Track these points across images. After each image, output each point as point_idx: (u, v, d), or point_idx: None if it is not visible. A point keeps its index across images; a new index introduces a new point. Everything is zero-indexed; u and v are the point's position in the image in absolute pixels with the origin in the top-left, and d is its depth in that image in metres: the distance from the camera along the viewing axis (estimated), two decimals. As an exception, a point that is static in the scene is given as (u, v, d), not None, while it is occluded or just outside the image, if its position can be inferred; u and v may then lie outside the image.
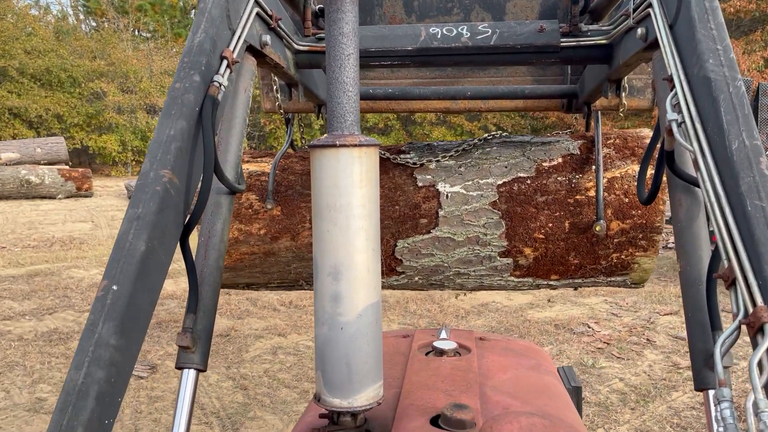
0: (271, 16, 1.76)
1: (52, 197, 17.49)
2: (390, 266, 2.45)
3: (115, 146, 25.09)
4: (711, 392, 1.18)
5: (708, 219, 1.16)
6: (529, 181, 2.36)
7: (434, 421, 1.44)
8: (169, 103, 1.30)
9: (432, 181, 2.39)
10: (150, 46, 30.03)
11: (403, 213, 2.39)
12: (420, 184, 2.39)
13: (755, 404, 0.87)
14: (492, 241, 2.36)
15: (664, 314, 6.92)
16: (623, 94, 2.22)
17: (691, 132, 1.22)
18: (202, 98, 1.34)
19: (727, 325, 1.03)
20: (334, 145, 1.28)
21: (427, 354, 1.93)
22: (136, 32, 31.96)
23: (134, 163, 25.81)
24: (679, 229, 1.36)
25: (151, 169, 1.21)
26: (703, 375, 1.20)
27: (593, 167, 2.34)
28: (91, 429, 0.94)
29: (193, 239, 1.35)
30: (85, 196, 18.07)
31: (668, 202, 1.53)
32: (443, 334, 2.05)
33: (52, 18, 30.96)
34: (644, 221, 2.30)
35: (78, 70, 25.57)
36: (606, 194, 2.30)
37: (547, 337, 6.21)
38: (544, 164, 2.38)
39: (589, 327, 6.51)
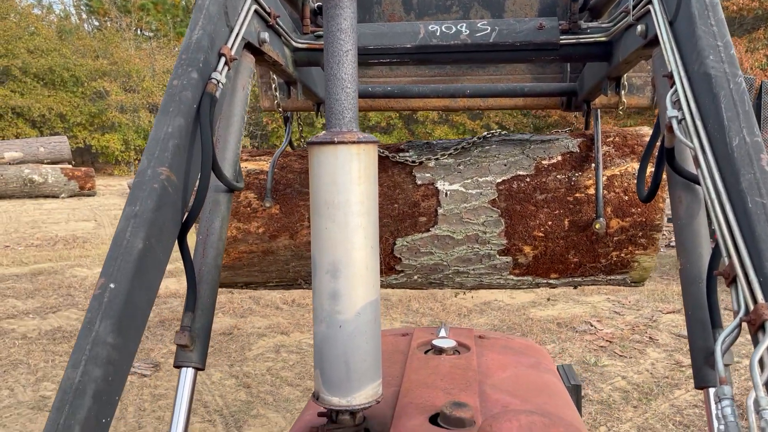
0: (269, 14, 1.75)
1: (55, 196, 17.53)
2: (389, 265, 2.45)
3: (118, 145, 25.12)
4: (711, 390, 1.17)
5: (708, 216, 1.15)
6: (528, 179, 2.35)
7: (433, 420, 1.43)
8: (166, 101, 1.29)
9: (431, 179, 2.38)
10: (152, 45, 30.07)
11: (402, 211, 2.38)
12: (419, 183, 2.39)
13: (756, 402, 0.87)
14: (491, 240, 2.36)
15: (667, 312, 6.91)
16: (623, 92, 2.22)
17: (692, 129, 1.21)
18: (200, 96, 1.33)
19: (728, 322, 1.03)
20: (332, 142, 1.27)
21: (426, 352, 1.92)
22: (139, 31, 31.99)
23: (137, 162, 25.80)
24: (679, 227, 1.35)
25: (149, 166, 1.20)
26: (703, 373, 1.20)
27: (593, 165, 2.33)
28: (89, 428, 0.93)
29: (192, 238, 1.34)
30: (88, 195, 18.11)
31: (668, 200, 1.52)
32: (442, 333, 2.05)
33: (55, 17, 31.00)
34: (644, 219, 2.29)
35: (81, 69, 25.61)
36: (606, 192, 2.30)
37: (550, 335, 6.21)
38: (543, 162, 2.37)
39: (592, 325, 6.51)
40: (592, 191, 2.31)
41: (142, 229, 1.12)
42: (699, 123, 1.20)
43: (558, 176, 2.35)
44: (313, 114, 2.75)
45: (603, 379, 5.13)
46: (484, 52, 2.02)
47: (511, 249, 2.37)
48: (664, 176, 1.46)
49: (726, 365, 0.98)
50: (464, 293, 7.43)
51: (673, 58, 1.33)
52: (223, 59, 1.43)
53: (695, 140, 1.19)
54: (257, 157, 2.59)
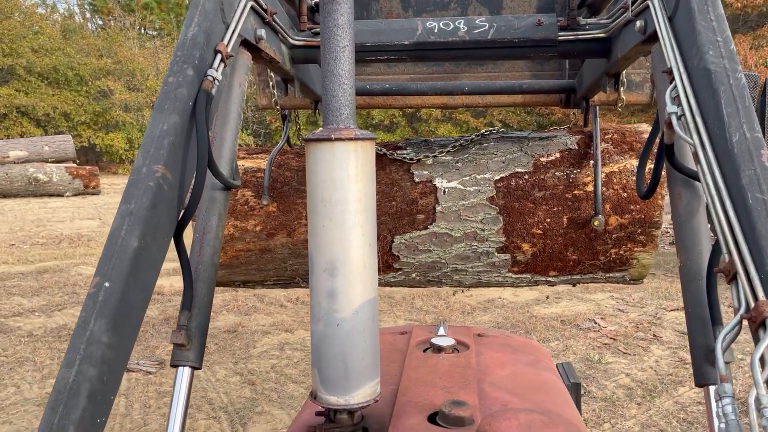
0: (265, 10, 1.74)
1: (60, 195, 17.58)
2: (387, 263, 2.44)
3: (122, 144, 25.17)
4: (712, 388, 1.16)
5: (708, 213, 1.14)
6: (526, 177, 2.34)
7: (432, 418, 1.42)
8: (162, 98, 1.28)
9: (429, 176, 2.37)
10: (156, 44, 30.10)
11: (400, 209, 2.37)
12: (417, 180, 2.37)
13: (757, 400, 0.86)
14: (490, 237, 2.35)
15: (671, 310, 6.91)
16: (622, 89, 2.21)
17: (691, 125, 1.20)
18: (195, 92, 1.32)
19: (728, 320, 1.02)
20: (329, 139, 1.26)
21: (425, 351, 1.91)
22: (143, 30, 32.05)
23: (141, 160, 25.83)
24: (678, 224, 1.34)
25: (144, 164, 1.19)
26: (703, 370, 1.19)
27: (591, 162, 2.32)
28: (83, 428, 0.92)
29: (188, 236, 1.33)
30: (93, 194, 18.16)
31: (668, 197, 1.52)
32: (441, 331, 2.04)
33: (59, 16, 31.07)
34: (643, 216, 2.28)
35: (85, 68, 25.67)
36: (604, 189, 2.29)
37: (554, 332, 6.21)
38: (541, 159, 2.36)
39: (596, 323, 6.50)
40: (590, 188, 2.30)
41: (137, 228, 1.11)
42: (699, 119, 1.19)
43: (556, 173, 2.34)
44: (317, 113, 2.76)
45: (607, 377, 5.13)
46: (482, 49, 2.01)
47: (510, 246, 2.36)
48: (664, 173, 1.45)
49: (726, 363, 0.98)
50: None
51: (672, 53, 1.32)
52: (219, 56, 1.41)
53: (695, 136, 1.18)
54: (254, 155, 2.58)
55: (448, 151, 2.41)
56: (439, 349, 1.89)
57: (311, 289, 1.32)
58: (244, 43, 1.65)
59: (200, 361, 1.33)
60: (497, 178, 2.35)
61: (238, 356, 5.72)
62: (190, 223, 1.33)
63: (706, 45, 1.23)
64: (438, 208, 2.35)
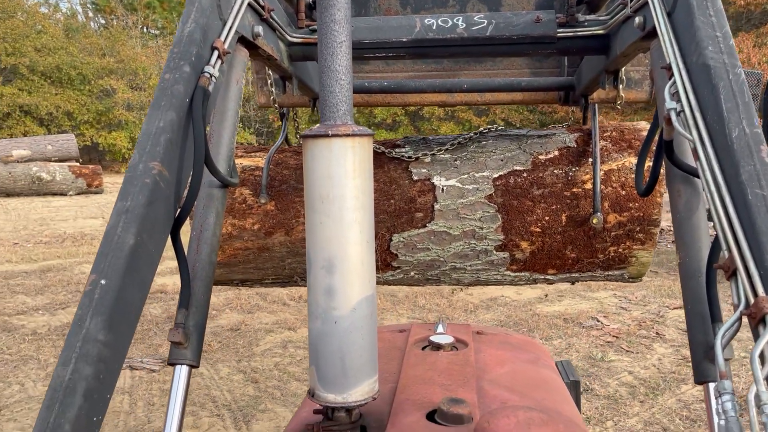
0: (263, 7, 1.73)
1: (63, 194, 17.63)
2: (385, 261, 2.43)
3: (125, 143, 25.21)
4: (711, 385, 1.16)
5: (708, 209, 1.13)
6: (525, 174, 2.33)
7: (431, 416, 1.41)
8: (158, 95, 1.27)
9: (427, 174, 2.36)
10: (159, 43, 30.15)
11: (399, 207, 2.36)
12: (415, 178, 2.36)
13: (757, 396, 0.85)
14: (488, 235, 2.34)
15: (674, 308, 6.90)
16: (621, 86, 2.20)
17: (690, 121, 1.19)
18: (192, 89, 1.31)
19: (728, 316, 1.01)
20: (326, 135, 1.25)
21: (423, 348, 1.90)
22: (145, 29, 32.11)
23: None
24: (678, 221, 1.33)
25: (140, 161, 1.18)
26: (703, 368, 1.18)
27: (590, 160, 2.31)
28: (79, 426, 0.92)
29: (186, 234, 1.32)
30: (96, 193, 18.20)
31: (667, 195, 1.50)
32: (440, 329, 2.03)
33: (62, 16, 31.13)
34: (642, 214, 2.27)
35: (87, 67, 25.73)
36: (603, 187, 2.28)
37: (556, 330, 6.21)
38: (540, 157, 2.35)
39: (598, 321, 6.50)
40: (589, 186, 2.29)
41: (133, 225, 1.10)
42: (698, 115, 1.18)
43: (555, 171, 2.32)
44: (316, 111, 2.75)
45: (609, 374, 5.13)
46: (481, 46, 2.00)
47: (508, 244, 2.35)
48: (663, 170, 1.44)
49: (726, 360, 0.97)
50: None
51: (671, 49, 1.31)
52: (216, 53, 1.40)
53: (694, 132, 1.17)
54: (252, 154, 2.56)
55: (447, 149, 2.40)
56: (437, 347, 1.88)
57: (309, 286, 1.31)
58: (242, 40, 1.64)
59: (198, 359, 1.32)
60: (496, 176, 2.34)
61: (241, 354, 5.73)
62: (188, 221, 1.32)
63: (705, 40, 1.23)
64: (436, 207, 2.34)
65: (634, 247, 2.32)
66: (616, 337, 6.01)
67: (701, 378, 1.19)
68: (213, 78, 1.36)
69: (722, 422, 0.92)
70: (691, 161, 1.30)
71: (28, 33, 24.90)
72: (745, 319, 0.99)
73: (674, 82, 1.26)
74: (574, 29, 1.92)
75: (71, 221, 13.60)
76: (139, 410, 4.57)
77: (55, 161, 18.27)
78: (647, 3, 1.46)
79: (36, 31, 25.68)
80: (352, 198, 1.26)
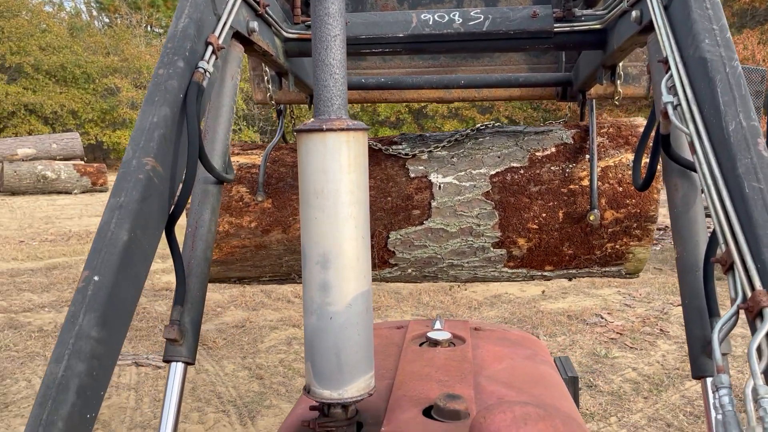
0: (258, 2, 1.72)
1: (68, 192, 17.71)
2: (383, 258, 2.42)
3: (129, 141, 25.27)
4: (709, 380, 1.15)
5: (705, 203, 1.12)
6: (522, 171, 2.32)
7: (427, 412, 1.40)
8: (152, 90, 1.26)
9: (424, 171, 2.35)
10: (163, 41, 30.16)
11: (396, 204, 2.35)
12: (412, 175, 2.35)
13: (755, 390, 0.84)
14: (485, 232, 2.33)
15: (678, 305, 6.90)
16: (618, 82, 2.18)
17: (687, 114, 1.18)
18: (186, 85, 1.30)
19: (725, 310, 1.00)
20: (321, 130, 1.23)
21: (421, 345, 1.89)
22: (149, 28, 32.16)
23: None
24: (675, 215, 1.32)
25: (134, 156, 1.17)
26: (700, 362, 1.17)
27: (587, 156, 2.30)
28: (72, 423, 0.91)
29: (181, 231, 1.31)
30: (101, 191, 18.28)
31: (663, 191, 1.50)
32: (437, 325, 2.02)
33: (66, 14, 31.21)
34: (638, 210, 2.26)
35: (92, 66, 25.81)
36: (600, 183, 2.27)
37: (560, 327, 6.22)
38: (537, 154, 2.34)
39: (602, 318, 6.51)
40: (586, 183, 2.28)
41: (127, 221, 1.09)
42: (695, 108, 1.17)
43: (552, 168, 2.32)
44: (313, 107, 2.72)
45: (614, 371, 5.14)
46: (478, 41, 1.99)
47: (506, 241, 2.34)
48: (660, 166, 1.43)
49: (723, 354, 0.96)
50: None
51: (668, 42, 1.30)
52: (210, 48, 1.39)
53: (691, 126, 1.16)
54: (249, 151, 2.55)
55: (444, 146, 2.39)
56: (435, 343, 1.87)
57: (304, 282, 1.30)
58: (237, 36, 1.63)
59: (193, 356, 1.30)
60: (493, 173, 2.33)
61: (246, 351, 5.76)
62: (183, 217, 1.31)
63: (702, 34, 1.22)
64: (433, 204, 2.33)
65: (631, 243, 2.32)
66: (620, 334, 6.02)
67: (698, 373, 1.18)
68: (207, 73, 1.35)
69: (719, 417, 0.91)
70: (688, 155, 1.29)
71: (32, 32, 24.97)
72: (742, 313, 0.98)
73: (671, 76, 1.25)
74: (571, 24, 1.91)
75: (76, 219, 13.66)
76: (145, 406, 4.60)
77: (60, 160, 18.35)
78: None
79: (40, 30, 25.76)
80: (347, 193, 1.25)
